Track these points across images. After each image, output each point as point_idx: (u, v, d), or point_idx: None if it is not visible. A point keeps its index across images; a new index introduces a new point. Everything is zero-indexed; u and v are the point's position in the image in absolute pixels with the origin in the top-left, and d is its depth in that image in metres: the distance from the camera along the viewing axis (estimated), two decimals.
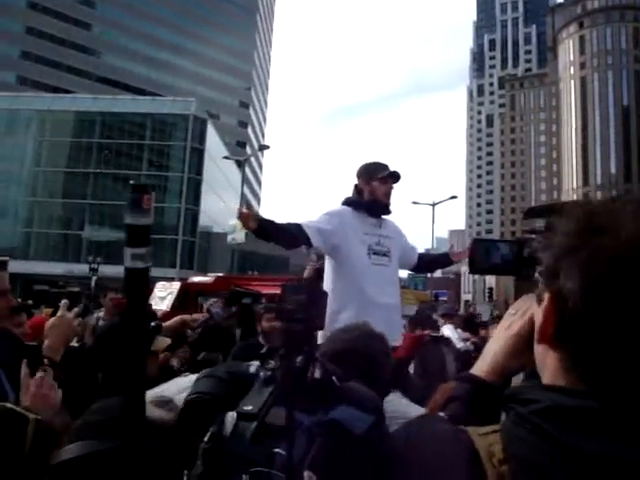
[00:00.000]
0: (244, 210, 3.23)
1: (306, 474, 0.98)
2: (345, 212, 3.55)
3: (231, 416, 1.07)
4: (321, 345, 1.68)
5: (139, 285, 0.72)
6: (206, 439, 1.03)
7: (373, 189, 3.53)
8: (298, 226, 3.38)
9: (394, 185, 3.59)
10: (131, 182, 0.73)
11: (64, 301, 2.41)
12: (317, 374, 1.13)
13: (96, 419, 0.97)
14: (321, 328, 1.27)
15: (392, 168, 3.58)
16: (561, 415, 0.65)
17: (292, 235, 3.38)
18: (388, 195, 3.56)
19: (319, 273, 3.81)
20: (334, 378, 1.19)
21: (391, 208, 3.65)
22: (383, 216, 3.64)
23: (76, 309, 2.35)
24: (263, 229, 3.24)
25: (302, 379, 1.11)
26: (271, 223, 3.35)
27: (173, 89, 70.60)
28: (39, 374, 1.84)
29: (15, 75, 66.04)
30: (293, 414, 1.06)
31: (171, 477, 0.95)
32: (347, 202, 3.60)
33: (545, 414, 0.66)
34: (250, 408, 1.07)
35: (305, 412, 1.08)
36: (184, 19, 76.63)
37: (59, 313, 2.25)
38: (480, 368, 1.08)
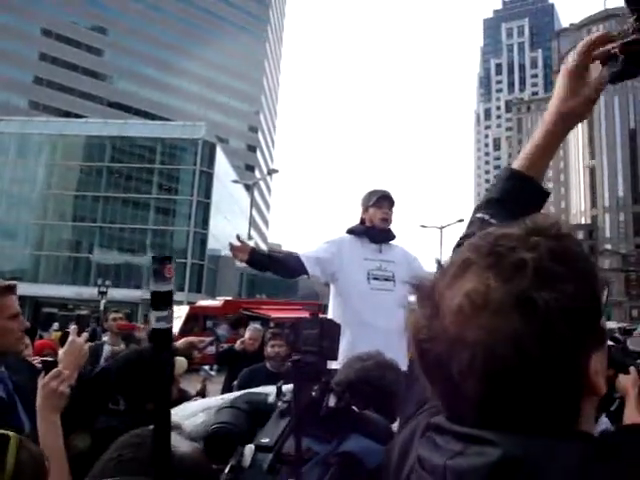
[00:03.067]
0: (236, 243, 3.36)
1: None
2: (345, 240, 3.64)
3: (249, 448, 1.12)
4: (335, 374, 1.68)
5: (164, 342, 0.84)
6: (227, 470, 1.08)
7: (370, 216, 3.62)
8: (295, 256, 3.50)
9: (391, 208, 3.65)
10: (152, 255, 0.86)
11: (73, 327, 2.47)
12: (332, 403, 1.17)
13: (126, 457, 0.99)
14: (334, 359, 1.31)
15: (386, 192, 3.65)
16: None
17: (287, 266, 3.50)
18: (385, 219, 3.61)
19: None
20: (354, 407, 1.24)
21: (395, 233, 3.70)
22: (390, 242, 3.69)
23: (85, 334, 2.40)
24: (256, 261, 3.39)
25: (317, 409, 1.16)
26: (265, 255, 3.51)
27: (183, 113, 71.29)
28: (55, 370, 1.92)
29: (27, 100, 66.96)
30: (301, 446, 1.09)
31: None
32: (349, 230, 3.69)
33: None
34: (267, 441, 1.12)
35: (321, 442, 1.14)
36: (194, 45, 77.63)
37: (70, 338, 2.28)
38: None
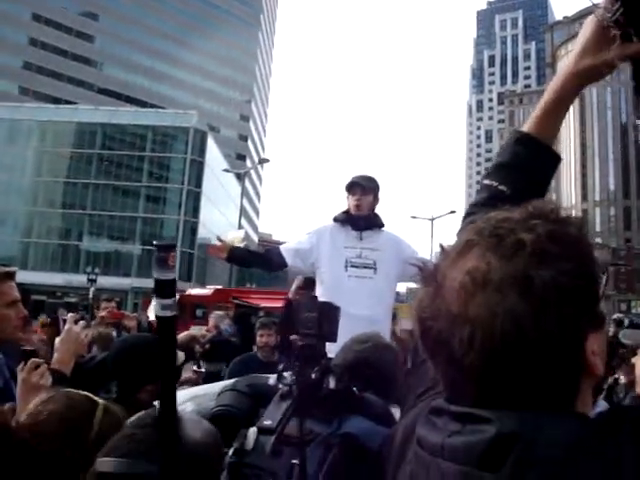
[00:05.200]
0: (215, 244, 3.55)
1: None
2: (327, 229, 3.67)
3: (252, 431, 1.12)
4: (334, 357, 1.72)
5: (168, 330, 0.85)
6: (230, 453, 1.09)
7: (348, 203, 3.65)
8: (276, 250, 3.67)
9: (365, 194, 3.61)
10: (155, 243, 0.84)
11: (70, 314, 2.44)
12: (332, 385, 1.18)
13: (137, 437, 1.02)
14: (334, 341, 1.32)
15: (357, 178, 3.64)
16: None
17: (268, 260, 3.68)
18: (357, 206, 3.59)
19: (308, 282, 3.95)
20: (354, 389, 1.25)
21: (381, 220, 3.68)
22: (380, 228, 3.67)
23: (82, 322, 2.38)
24: (237, 258, 3.62)
25: (318, 391, 1.16)
26: (245, 252, 3.69)
27: (174, 101, 70.89)
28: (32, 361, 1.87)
29: (17, 85, 66.27)
30: (304, 427, 1.10)
31: None
32: (334, 218, 3.71)
33: None
34: (269, 423, 1.13)
35: (321, 422, 1.15)
36: (186, 32, 77.08)
37: (66, 327, 2.25)
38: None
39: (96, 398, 1.30)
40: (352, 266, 3.53)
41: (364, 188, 3.61)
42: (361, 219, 3.61)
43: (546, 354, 0.65)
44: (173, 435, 0.85)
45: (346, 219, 3.63)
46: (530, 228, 0.69)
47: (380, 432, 1.12)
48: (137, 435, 1.02)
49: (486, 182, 1.14)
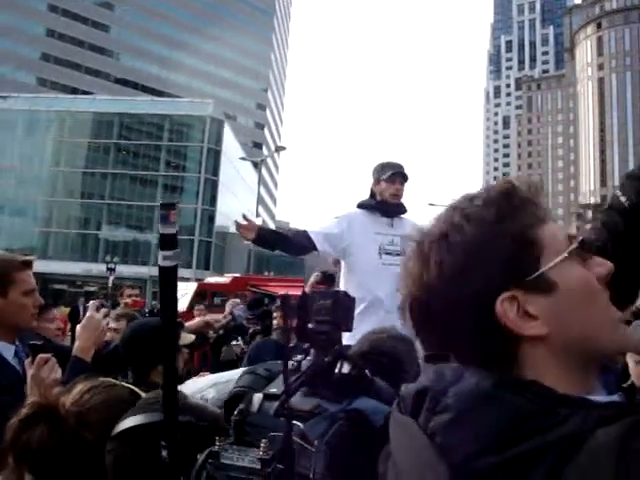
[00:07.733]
0: (242, 222, 3.31)
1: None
2: (355, 214, 3.60)
3: (257, 396, 1.19)
4: (352, 346, 1.78)
5: (170, 280, 0.94)
6: (235, 413, 1.14)
7: (382, 190, 3.56)
8: (305, 233, 3.47)
9: (403, 184, 3.59)
10: (160, 202, 0.95)
11: (92, 302, 2.49)
12: (345, 370, 1.22)
13: (154, 400, 1.14)
14: (348, 330, 1.35)
15: (399, 167, 3.59)
16: None
17: (296, 243, 3.49)
18: (396, 195, 3.56)
19: (326, 278, 3.87)
20: (367, 371, 1.29)
21: (406, 207, 3.65)
22: (401, 215, 3.64)
23: (104, 310, 2.41)
24: (263, 239, 3.36)
25: (329, 372, 1.21)
26: (272, 232, 3.54)
27: (190, 90, 70.88)
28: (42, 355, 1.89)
29: (35, 76, 66.69)
30: (313, 402, 1.15)
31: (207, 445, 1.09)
32: (360, 204, 3.65)
33: None
34: (275, 390, 1.19)
35: (332, 402, 1.17)
36: (202, 21, 76.92)
37: (88, 314, 2.28)
38: None
39: (137, 390, 1.35)
40: (386, 253, 3.48)
41: (406, 178, 3.58)
42: (392, 206, 3.58)
43: (453, 307, 0.70)
44: (175, 382, 0.95)
45: (375, 205, 3.59)
46: (463, 210, 0.74)
47: (385, 410, 1.13)
48: (149, 400, 1.17)
49: (617, 192, 1.19)
